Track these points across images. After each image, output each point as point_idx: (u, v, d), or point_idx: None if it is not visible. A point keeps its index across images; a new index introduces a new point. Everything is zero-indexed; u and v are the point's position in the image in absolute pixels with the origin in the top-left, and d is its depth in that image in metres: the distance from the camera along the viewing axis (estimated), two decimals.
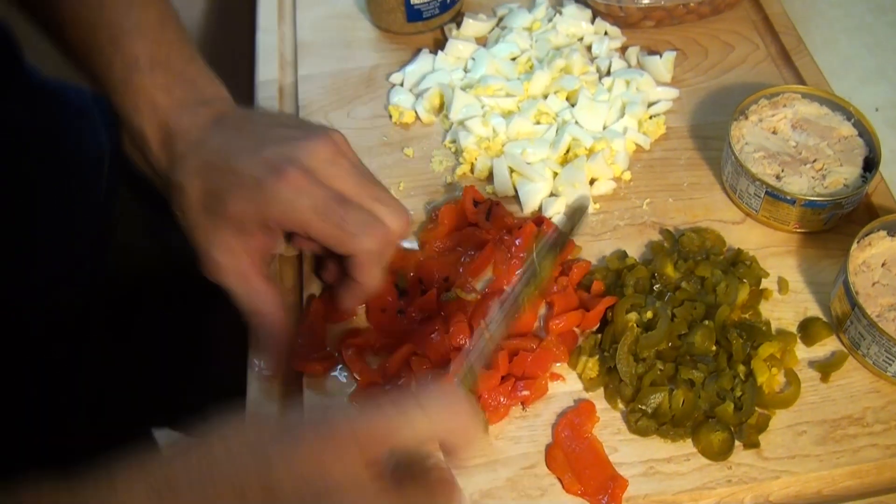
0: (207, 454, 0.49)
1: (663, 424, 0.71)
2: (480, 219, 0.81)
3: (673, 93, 0.92)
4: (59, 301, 0.83)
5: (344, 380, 0.74)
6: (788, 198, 0.79)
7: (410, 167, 0.87)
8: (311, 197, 0.66)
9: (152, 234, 0.98)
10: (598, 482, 0.68)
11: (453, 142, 0.88)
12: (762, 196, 0.80)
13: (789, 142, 0.84)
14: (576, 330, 0.76)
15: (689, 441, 0.70)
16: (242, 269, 0.69)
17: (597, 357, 0.74)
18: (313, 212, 0.66)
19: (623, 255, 0.80)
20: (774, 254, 0.81)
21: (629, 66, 0.94)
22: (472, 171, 0.86)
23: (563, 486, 0.68)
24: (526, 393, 0.72)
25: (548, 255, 0.70)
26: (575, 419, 0.71)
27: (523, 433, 0.71)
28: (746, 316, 0.76)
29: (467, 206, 0.82)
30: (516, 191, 0.84)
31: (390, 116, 0.91)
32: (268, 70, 0.96)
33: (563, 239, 0.73)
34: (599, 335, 0.75)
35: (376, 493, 0.49)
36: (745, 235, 0.82)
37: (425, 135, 0.90)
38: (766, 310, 0.77)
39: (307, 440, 0.49)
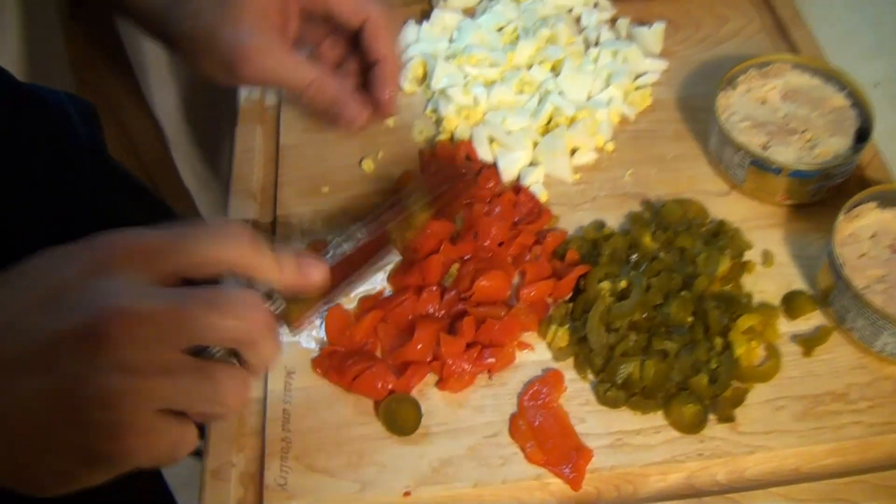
0: None
1: (633, 396, 0.66)
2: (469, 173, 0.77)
3: (661, 64, 0.87)
4: None
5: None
6: (774, 167, 0.74)
7: (390, 137, 0.84)
8: None
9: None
10: (562, 452, 0.63)
11: (434, 111, 0.84)
12: (747, 166, 0.75)
13: (778, 112, 0.79)
14: (548, 300, 0.72)
15: (661, 414, 0.65)
16: (275, 52, 0.66)
17: (567, 326, 0.69)
18: None
19: (601, 225, 0.76)
20: (760, 226, 0.76)
21: (618, 37, 0.89)
22: (451, 140, 0.82)
23: (526, 456, 0.64)
24: (492, 360, 0.67)
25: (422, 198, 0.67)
26: (541, 388, 0.66)
27: (487, 402, 0.67)
28: (727, 288, 0.71)
29: (459, 155, 0.78)
30: (495, 160, 0.80)
31: None
32: None
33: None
34: (571, 304, 0.70)
35: (152, 299, 0.44)
36: (729, 208, 0.77)
37: (407, 105, 0.86)
38: (749, 283, 0.72)
39: (85, 251, 0.46)
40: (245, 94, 0.87)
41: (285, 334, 0.59)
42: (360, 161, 0.81)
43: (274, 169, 0.82)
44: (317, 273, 0.52)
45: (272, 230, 0.77)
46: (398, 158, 0.82)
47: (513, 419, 0.66)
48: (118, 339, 0.42)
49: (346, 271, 0.61)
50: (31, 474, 0.45)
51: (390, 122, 0.84)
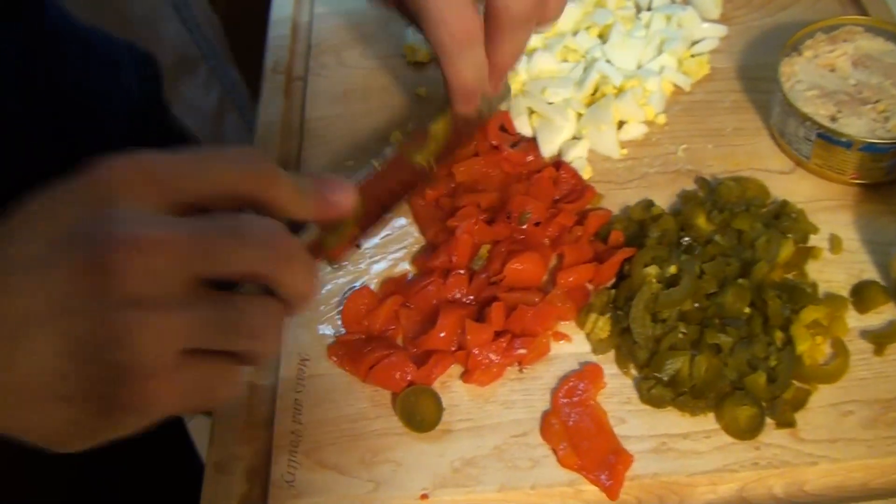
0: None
1: (681, 395, 0.58)
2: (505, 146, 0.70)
3: (721, 30, 0.78)
4: None
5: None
6: (844, 140, 0.65)
7: (421, 107, 0.76)
8: None
9: None
10: (599, 456, 0.56)
11: None
12: (813, 139, 0.66)
13: (849, 80, 0.69)
14: (588, 286, 0.64)
15: (711, 416, 0.57)
16: None
17: (609, 315, 0.61)
18: None
19: (649, 204, 0.67)
20: (827, 208, 0.67)
21: (673, 0, 0.80)
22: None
23: (558, 459, 0.56)
24: (523, 352, 0.60)
25: (440, 120, 0.61)
26: (578, 383, 0.59)
27: (517, 397, 0.59)
28: (790, 276, 0.63)
29: (493, 129, 0.71)
30: (535, 134, 0.72)
31: (405, 56, 0.80)
32: (283, 6, 0.86)
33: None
34: (613, 291, 0.62)
35: (163, 226, 0.39)
36: (793, 187, 0.68)
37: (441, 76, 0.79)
38: (814, 271, 0.63)
39: (86, 183, 0.40)
40: (271, 66, 0.80)
41: (324, 269, 0.54)
42: (389, 134, 0.74)
43: (298, 143, 0.75)
44: (344, 196, 0.46)
45: None
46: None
47: (545, 417, 0.58)
48: (129, 271, 0.37)
49: (379, 195, 0.55)
50: (48, 427, 0.40)
51: (422, 91, 0.77)
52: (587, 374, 0.59)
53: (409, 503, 0.56)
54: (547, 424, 0.58)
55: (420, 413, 0.59)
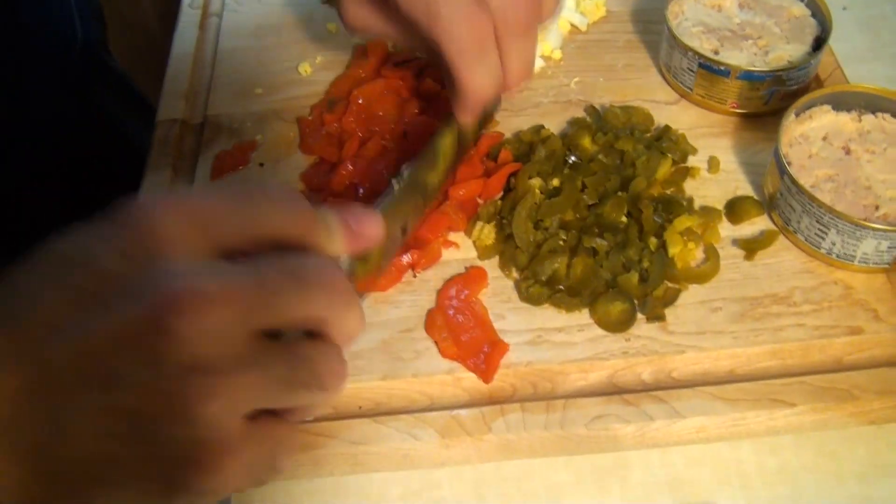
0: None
1: (558, 292, 0.59)
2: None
3: None
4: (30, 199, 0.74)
5: None
6: (723, 69, 0.67)
7: (331, 42, 0.77)
8: None
9: (124, 132, 0.89)
10: (476, 345, 0.56)
11: None
12: (695, 70, 0.68)
13: (733, 19, 0.72)
14: (478, 200, 0.65)
15: (586, 312, 0.58)
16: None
17: (493, 224, 0.62)
18: None
19: (539, 128, 0.69)
20: (708, 134, 0.69)
21: None
22: (392, 46, 0.75)
23: (439, 350, 0.57)
24: (410, 258, 0.60)
25: (447, 136, 0.59)
26: (462, 283, 0.60)
27: (405, 297, 0.60)
28: (668, 192, 0.64)
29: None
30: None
31: None
32: None
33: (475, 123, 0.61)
34: (500, 202, 0.64)
35: (220, 275, 0.34)
36: (677, 116, 0.70)
37: None
38: (692, 188, 0.65)
39: (123, 227, 0.35)
40: (188, 2, 0.81)
41: None
42: (297, 65, 0.75)
43: (210, 73, 0.76)
44: (372, 227, 0.42)
45: (200, 131, 0.71)
46: (336, 63, 0.75)
47: (429, 314, 0.59)
48: (188, 332, 0.32)
49: (398, 218, 0.53)
50: None
51: (332, 27, 0.78)
52: (472, 275, 0.60)
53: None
54: (431, 319, 0.58)
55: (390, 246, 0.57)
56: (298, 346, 0.36)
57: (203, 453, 0.33)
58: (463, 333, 0.57)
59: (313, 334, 0.37)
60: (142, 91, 0.96)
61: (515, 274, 0.60)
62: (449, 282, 0.60)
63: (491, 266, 0.61)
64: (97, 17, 0.88)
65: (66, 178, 0.81)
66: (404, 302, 0.60)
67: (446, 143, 0.59)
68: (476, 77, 0.54)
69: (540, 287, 0.59)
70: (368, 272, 0.48)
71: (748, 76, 0.66)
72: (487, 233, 0.62)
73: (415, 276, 0.61)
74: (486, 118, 0.65)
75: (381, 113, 0.68)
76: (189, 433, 0.33)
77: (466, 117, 0.58)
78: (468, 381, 0.56)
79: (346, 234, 0.41)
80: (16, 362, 0.33)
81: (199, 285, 0.33)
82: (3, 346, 0.33)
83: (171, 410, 0.32)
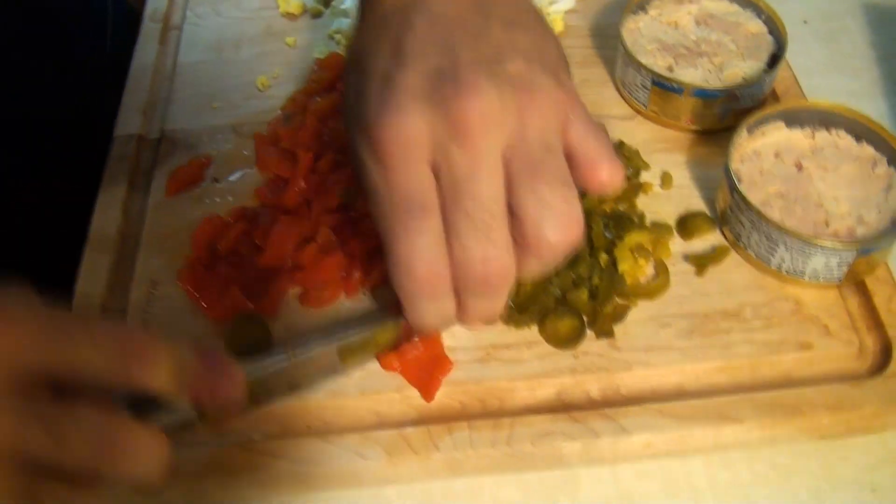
0: None
1: (507, 309, 0.58)
2: None
3: None
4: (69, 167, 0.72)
5: None
6: (675, 86, 0.67)
7: (289, 56, 0.77)
8: (391, 167, 0.43)
9: None
10: (420, 361, 0.56)
11: (338, 31, 0.77)
12: (649, 87, 0.68)
13: (689, 36, 0.72)
14: None
15: (535, 329, 0.58)
16: None
17: None
18: (377, 193, 0.44)
19: None
20: (662, 150, 0.69)
21: None
22: None
23: (380, 363, 0.56)
24: (357, 276, 0.60)
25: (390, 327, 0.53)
26: None
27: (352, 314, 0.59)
28: (620, 208, 0.64)
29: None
30: None
31: (278, 7, 0.81)
32: None
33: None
34: None
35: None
36: (632, 131, 0.70)
37: (312, 27, 0.79)
38: (644, 203, 0.65)
39: None
40: (149, 14, 0.80)
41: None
42: (255, 79, 0.74)
43: (169, 86, 0.75)
44: (228, 390, 0.40)
45: (157, 146, 0.70)
46: (294, 77, 0.75)
47: None
48: None
49: (288, 382, 0.51)
50: None
51: (290, 41, 0.77)
52: None
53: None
54: None
55: (247, 343, 0.57)
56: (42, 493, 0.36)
57: None
58: (407, 347, 0.56)
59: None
60: None
61: None
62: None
63: None
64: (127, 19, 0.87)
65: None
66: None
67: (384, 335, 0.53)
68: (420, 317, 0.46)
69: None
70: (222, 420, 0.47)
71: (701, 93, 0.66)
72: None
73: (364, 294, 0.61)
74: None
75: (336, 128, 0.67)
76: None
77: (415, 331, 0.52)
78: (416, 398, 0.55)
79: (198, 387, 0.39)
80: None
81: None
82: None
83: None
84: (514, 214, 0.42)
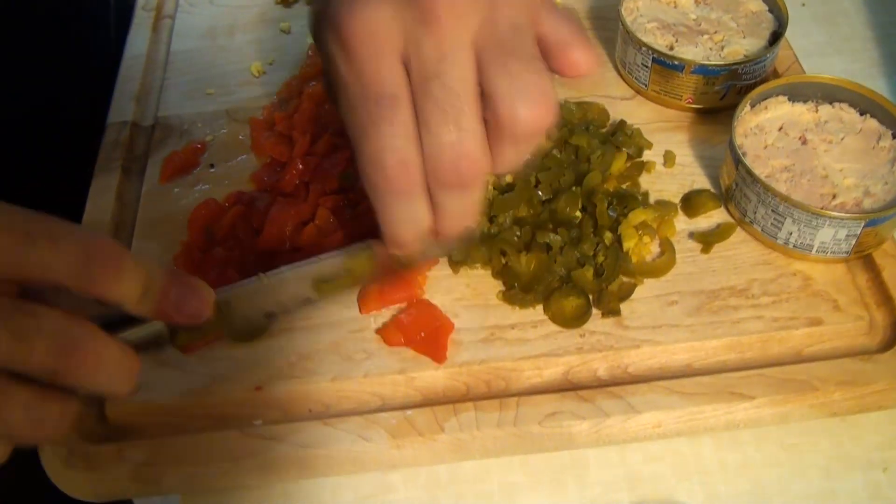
0: None
1: (511, 289, 0.57)
2: None
3: None
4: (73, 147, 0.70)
5: None
6: (677, 64, 0.65)
7: (284, 42, 0.75)
8: (358, 71, 0.41)
9: None
10: (422, 328, 0.55)
11: None
12: (650, 66, 0.67)
13: (689, 14, 0.70)
14: None
15: (540, 308, 0.56)
16: None
17: None
18: (347, 85, 0.43)
19: None
20: (664, 129, 0.67)
21: None
22: None
23: (385, 339, 0.55)
24: None
25: (365, 255, 0.50)
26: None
27: (355, 297, 0.58)
28: (624, 187, 0.63)
29: None
30: None
31: None
32: None
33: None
34: None
35: None
36: (633, 111, 0.69)
37: (306, 13, 0.77)
38: (648, 182, 0.64)
39: None
40: (142, 4, 0.79)
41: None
42: (250, 66, 0.73)
43: (161, 74, 0.73)
44: (195, 305, 0.39)
45: (151, 132, 0.69)
46: (289, 63, 0.73)
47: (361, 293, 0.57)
48: None
49: (261, 305, 0.48)
50: None
51: (285, 26, 0.76)
52: None
53: (244, 394, 0.54)
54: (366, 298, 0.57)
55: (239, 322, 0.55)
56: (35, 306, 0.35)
57: None
58: (405, 317, 0.55)
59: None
60: None
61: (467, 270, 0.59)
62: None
63: (442, 264, 0.59)
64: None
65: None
66: (354, 301, 0.58)
67: (357, 263, 0.50)
68: (393, 221, 0.44)
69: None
70: (194, 340, 0.44)
71: (703, 71, 0.65)
72: None
73: None
74: (446, 248, 0.54)
75: (332, 111, 0.66)
76: None
77: (391, 252, 0.48)
78: (421, 380, 0.54)
79: (163, 302, 0.38)
80: None
81: None
82: None
83: None
84: (486, 96, 0.41)
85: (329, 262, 0.49)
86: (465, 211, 0.44)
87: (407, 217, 0.44)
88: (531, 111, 0.41)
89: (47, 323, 0.35)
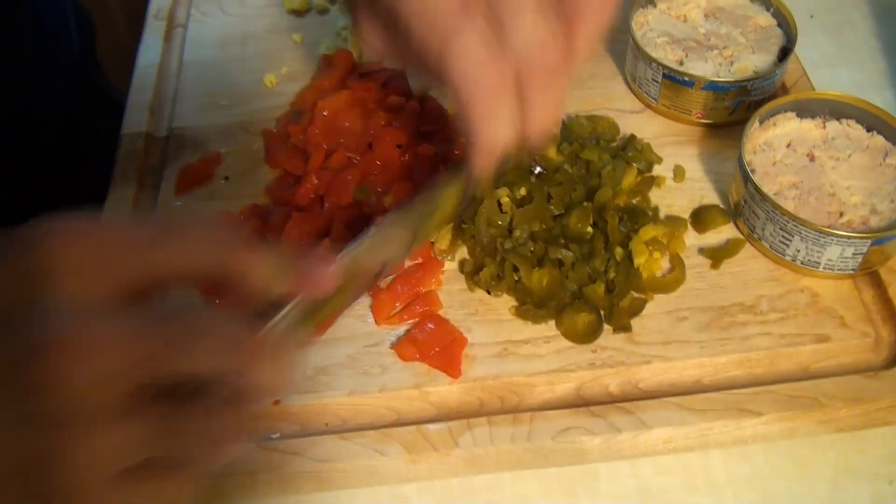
0: None
1: (524, 305, 0.58)
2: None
3: None
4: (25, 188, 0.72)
5: None
6: (687, 80, 0.67)
7: (296, 52, 0.76)
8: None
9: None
10: (436, 343, 0.56)
11: (345, 28, 0.77)
12: (660, 81, 0.68)
13: (699, 29, 0.72)
14: None
15: (552, 323, 0.58)
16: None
17: (450, 226, 0.62)
18: (418, 15, 0.46)
19: None
20: (673, 143, 0.69)
21: None
22: (360, 57, 0.74)
23: (399, 354, 0.56)
24: None
25: (452, 185, 0.53)
26: (414, 272, 0.60)
27: (370, 310, 0.59)
28: (634, 202, 0.64)
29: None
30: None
31: (283, 4, 0.80)
32: None
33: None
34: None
35: (106, 322, 0.32)
36: (642, 124, 0.70)
37: (319, 23, 0.79)
38: (657, 197, 0.65)
39: (25, 251, 0.34)
40: (153, 13, 0.80)
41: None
42: (263, 77, 0.74)
43: (175, 85, 0.75)
44: (323, 279, 0.40)
45: (165, 144, 0.70)
46: (301, 74, 0.74)
47: (374, 297, 0.59)
48: (58, 381, 0.31)
49: (371, 266, 0.49)
50: None
51: (297, 37, 0.77)
52: (423, 267, 0.60)
53: (261, 408, 0.55)
54: (378, 303, 0.58)
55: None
56: (184, 406, 0.34)
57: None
58: (419, 333, 0.57)
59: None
60: None
61: (480, 288, 0.60)
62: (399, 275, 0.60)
63: (458, 280, 0.61)
64: (90, 32, 0.86)
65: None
66: (370, 316, 0.59)
67: (450, 193, 0.52)
68: (489, 127, 0.47)
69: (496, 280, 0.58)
70: (324, 316, 0.45)
71: (713, 87, 0.66)
72: (443, 234, 0.61)
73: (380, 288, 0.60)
74: (505, 168, 0.56)
75: (346, 124, 0.67)
76: (54, 484, 0.32)
77: (479, 168, 0.50)
78: (435, 395, 0.55)
79: (296, 278, 0.39)
80: None
81: (83, 332, 0.31)
82: None
83: (37, 459, 0.31)
84: None
85: (428, 199, 0.51)
86: (554, 104, 0.48)
87: (503, 118, 0.46)
88: None
89: (211, 324, 0.35)
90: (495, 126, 0.47)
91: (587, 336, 0.57)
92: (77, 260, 0.33)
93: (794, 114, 0.64)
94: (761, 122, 0.63)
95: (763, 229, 0.60)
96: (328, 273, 0.41)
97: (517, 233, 0.60)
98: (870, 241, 0.57)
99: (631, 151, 0.65)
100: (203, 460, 0.35)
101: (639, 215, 0.61)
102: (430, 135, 0.67)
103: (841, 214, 0.59)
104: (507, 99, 0.46)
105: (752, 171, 0.60)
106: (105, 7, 1.36)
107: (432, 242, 0.61)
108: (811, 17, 0.82)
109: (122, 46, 1.35)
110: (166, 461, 0.34)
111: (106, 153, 0.84)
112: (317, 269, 0.40)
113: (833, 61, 0.79)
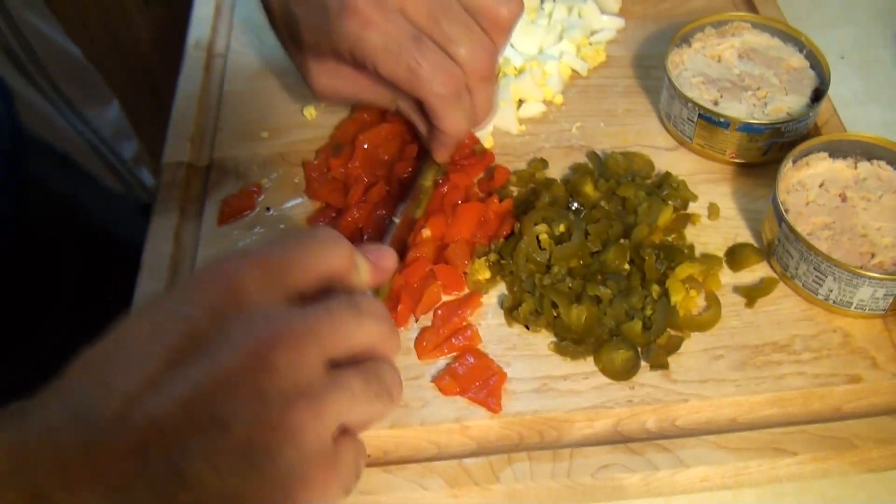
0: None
1: (563, 341, 0.60)
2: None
3: (618, 22, 0.82)
4: None
5: None
6: (723, 121, 0.68)
7: None
8: (381, 33, 0.58)
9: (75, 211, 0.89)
10: (476, 378, 0.58)
11: None
12: (695, 120, 0.70)
13: (733, 70, 0.74)
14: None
15: (591, 360, 0.60)
16: (339, 89, 0.66)
17: (485, 259, 0.64)
18: (383, 51, 0.58)
19: (544, 163, 0.71)
20: (707, 181, 0.71)
21: None
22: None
23: (440, 389, 0.58)
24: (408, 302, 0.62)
25: (428, 174, 0.67)
26: (455, 306, 0.62)
27: (411, 345, 0.61)
28: (669, 239, 0.66)
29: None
30: None
31: None
32: None
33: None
34: (501, 241, 0.65)
35: (302, 316, 0.41)
36: (677, 162, 0.72)
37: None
38: (692, 235, 0.67)
39: (204, 289, 0.41)
40: (193, 43, 0.82)
41: None
42: (303, 108, 0.76)
43: (215, 115, 0.77)
44: (390, 261, 0.50)
45: (207, 173, 0.72)
46: (340, 107, 0.76)
47: (420, 334, 0.61)
48: (286, 366, 0.38)
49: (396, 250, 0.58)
50: None
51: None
52: (465, 300, 0.63)
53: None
54: (420, 338, 0.61)
55: None
56: (366, 366, 0.42)
57: (312, 470, 0.38)
58: (460, 367, 0.59)
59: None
60: (87, 168, 0.95)
61: (519, 324, 0.62)
62: (444, 305, 0.62)
63: (496, 315, 0.63)
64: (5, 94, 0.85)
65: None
66: (410, 350, 0.61)
67: (429, 182, 0.66)
68: (454, 120, 0.61)
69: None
70: (384, 296, 0.58)
71: (748, 128, 0.68)
72: (479, 267, 0.63)
73: (416, 321, 0.62)
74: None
75: (386, 157, 0.69)
76: (298, 454, 0.37)
77: (445, 156, 0.66)
78: (475, 429, 0.57)
79: (373, 269, 0.48)
80: (121, 427, 0.36)
81: (288, 325, 0.39)
82: (105, 411, 0.36)
83: (281, 437, 0.37)
84: (473, 12, 0.60)
85: (417, 190, 0.66)
86: (491, 98, 0.63)
87: (461, 112, 0.61)
88: (509, 8, 0.60)
89: (366, 305, 0.43)
90: (459, 121, 0.61)
91: (625, 373, 0.59)
92: (251, 280, 0.41)
93: (826, 154, 0.66)
94: (794, 162, 0.65)
95: (797, 268, 0.61)
96: (389, 253, 0.49)
97: (555, 269, 0.62)
98: None
99: (666, 189, 0.67)
100: (381, 414, 0.43)
101: (675, 253, 0.63)
102: (461, 166, 0.69)
103: (872, 255, 0.61)
104: (464, 97, 0.61)
105: (786, 210, 0.62)
106: (131, 32, 1.38)
107: (466, 276, 0.64)
108: (842, 57, 0.84)
109: (151, 71, 1.38)
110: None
111: (70, 222, 0.85)
112: (379, 253, 0.49)
113: (863, 99, 0.81)
